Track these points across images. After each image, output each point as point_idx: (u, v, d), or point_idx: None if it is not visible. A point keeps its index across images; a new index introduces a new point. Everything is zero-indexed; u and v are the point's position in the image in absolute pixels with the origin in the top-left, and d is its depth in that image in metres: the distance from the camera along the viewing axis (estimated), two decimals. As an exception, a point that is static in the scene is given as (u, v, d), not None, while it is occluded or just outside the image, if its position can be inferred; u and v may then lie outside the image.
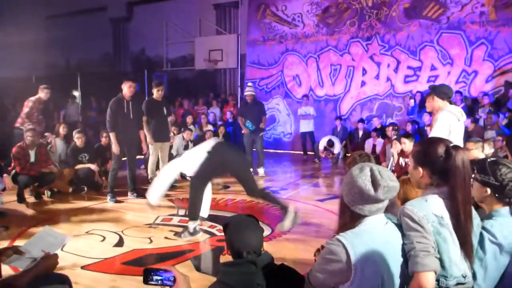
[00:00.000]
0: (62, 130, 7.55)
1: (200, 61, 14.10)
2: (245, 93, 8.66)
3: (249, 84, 9.63)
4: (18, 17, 13.84)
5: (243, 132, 8.60)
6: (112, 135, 6.11)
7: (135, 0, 16.66)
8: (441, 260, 1.79)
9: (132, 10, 17.06)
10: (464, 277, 1.84)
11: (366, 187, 1.71)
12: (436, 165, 1.90)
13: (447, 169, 1.85)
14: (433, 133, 3.99)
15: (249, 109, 8.47)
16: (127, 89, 6.13)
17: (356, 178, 1.74)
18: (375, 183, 1.71)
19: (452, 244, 1.82)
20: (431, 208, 1.83)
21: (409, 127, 9.37)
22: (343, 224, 1.81)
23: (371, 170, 1.74)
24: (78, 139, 6.99)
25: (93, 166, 6.92)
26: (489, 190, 2.09)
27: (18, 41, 13.60)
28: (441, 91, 4.10)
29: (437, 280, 1.81)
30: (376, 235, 1.75)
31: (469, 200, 1.86)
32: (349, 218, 1.79)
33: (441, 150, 1.88)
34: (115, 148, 6.10)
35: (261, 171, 8.47)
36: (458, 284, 1.83)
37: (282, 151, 12.31)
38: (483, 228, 2.01)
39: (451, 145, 1.90)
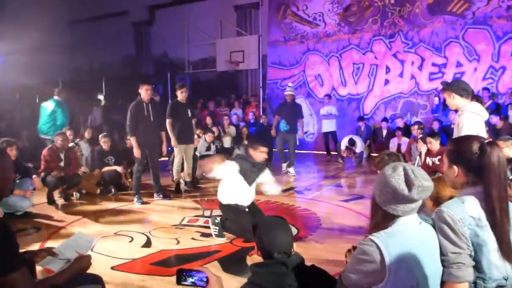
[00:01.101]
0: (87, 134, 7.71)
1: (221, 62, 14.17)
2: (285, 93, 8.87)
3: (290, 84, 9.77)
4: (41, 22, 14.16)
5: (272, 132, 8.71)
6: (133, 139, 6.19)
7: (156, 4, 16.85)
8: (479, 263, 1.76)
9: (153, 14, 17.27)
10: (506, 279, 1.78)
11: (399, 187, 1.68)
12: (471, 162, 1.85)
13: (482, 166, 1.80)
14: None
15: (286, 109, 8.65)
16: (144, 92, 6.19)
17: (389, 178, 1.71)
18: (409, 183, 1.68)
19: (491, 246, 1.77)
20: (467, 210, 1.78)
21: (435, 126, 9.20)
22: (376, 225, 1.78)
23: (405, 170, 1.72)
24: (104, 143, 7.13)
25: (119, 168, 7.05)
26: None
27: (42, 45, 13.90)
28: (459, 87, 3.79)
29: (474, 283, 1.76)
30: (410, 235, 1.72)
31: (505, 198, 1.80)
32: (382, 219, 1.76)
33: (475, 147, 1.84)
34: (136, 152, 6.17)
35: (291, 170, 8.61)
36: (498, 286, 1.78)
37: (305, 152, 12.25)
38: None
39: (486, 141, 1.85)
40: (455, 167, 1.91)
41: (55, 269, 2.33)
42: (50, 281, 2.14)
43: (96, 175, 6.97)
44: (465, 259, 1.73)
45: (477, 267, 1.77)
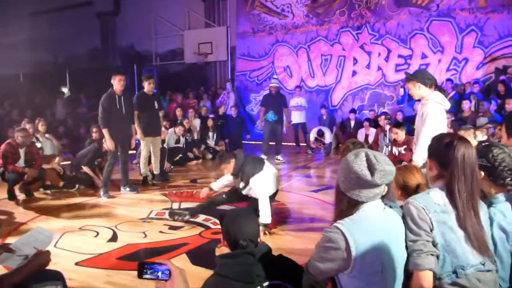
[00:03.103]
0: (40, 127, 7.38)
1: (189, 54, 13.99)
2: (270, 85, 9.27)
3: (275, 76, 10.06)
4: (2, 15, 13.60)
5: (258, 124, 9.25)
6: (105, 132, 5.98)
7: (122, -6, 16.45)
8: (454, 251, 1.79)
9: (119, 5, 16.83)
10: (483, 264, 1.81)
11: (362, 172, 1.68)
12: (439, 156, 1.93)
13: (448, 160, 1.87)
14: (426, 127, 3.74)
15: (272, 100, 9.01)
16: (117, 83, 6.00)
17: (352, 163, 1.71)
18: (371, 168, 1.69)
19: (461, 233, 1.80)
20: (433, 199, 1.85)
21: (399, 116, 9.39)
22: (340, 212, 1.78)
23: (367, 155, 1.73)
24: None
25: (87, 171, 6.80)
26: (482, 173, 2.08)
27: (3, 39, 13.36)
28: (424, 77, 3.82)
29: (455, 272, 1.80)
30: (374, 221, 1.73)
31: (471, 193, 1.84)
32: (346, 205, 1.77)
33: (445, 141, 1.91)
34: (110, 144, 5.99)
35: (279, 157, 9.08)
36: (478, 272, 1.80)
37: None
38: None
39: (457, 137, 1.92)
40: (429, 160, 2.00)
41: (13, 266, 2.23)
42: (7, 278, 2.04)
43: (57, 167, 6.70)
44: (423, 246, 1.76)
45: (454, 256, 1.79)
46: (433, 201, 1.83)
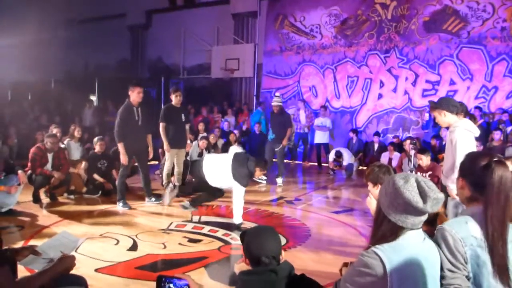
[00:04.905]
0: (76, 133, 7.58)
1: (216, 69, 14.17)
2: (272, 103, 8.65)
3: (277, 94, 9.62)
4: (38, 19, 14.05)
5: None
6: (120, 146, 6.02)
7: (154, 8, 16.83)
8: (479, 284, 1.72)
9: (151, 18, 17.24)
10: None
11: (414, 199, 1.62)
12: (474, 176, 1.82)
13: (484, 182, 1.76)
14: (458, 155, 3.76)
15: (274, 119, 8.56)
16: (136, 95, 6.05)
17: (402, 189, 1.65)
18: (423, 195, 1.63)
19: (491, 268, 1.73)
20: (470, 230, 1.74)
21: (434, 142, 9.23)
22: (381, 236, 1.71)
23: (417, 181, 1.67)
24: (100, 146, 7.00)
25: (107, 185, 6.89)
26: None
27: (37, 42, 13.77)
28: (449, 104, 3.84)
29: None
30: (414, 250, 1.66)
31: (504, 221, 1.75)
32: (389, 230, 1.69)
33: (482, 162, 1.80)
34: (123, 159, 6.05)
35: (279, 180, 8.46)
36: None
37: (296, 162, 12.23)
38: None
39: (495, 159, 1.81)
40: (461, 179, 1.90)
41: (37, 269, 2.26)
42: (31, 281, 2.07)
43: (82, 173, 6.84)
44: (461, 281, 1.70)
45: None
46: (471, 234, 1.73)
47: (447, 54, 10.76)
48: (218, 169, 5.31)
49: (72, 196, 6.57)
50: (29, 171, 6.06)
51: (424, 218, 1.69)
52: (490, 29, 10.25)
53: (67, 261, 2.20)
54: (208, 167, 5.37)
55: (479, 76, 10.43)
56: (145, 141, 6.39)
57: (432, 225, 2.11)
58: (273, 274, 1.89)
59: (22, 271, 2.64)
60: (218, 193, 5.75)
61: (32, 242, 4.23)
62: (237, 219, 5.25)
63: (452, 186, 3.65)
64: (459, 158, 3.55)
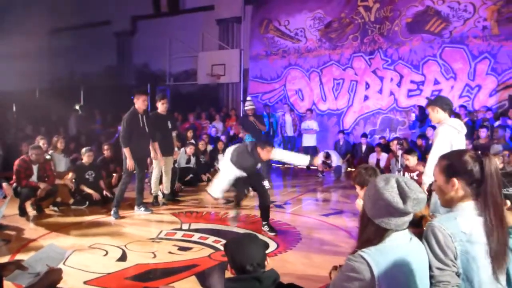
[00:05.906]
0: (59, 144, 7.47)
1: (202, 75, 14.15)
2: (245, 108, 8.65)
3: (248, 98, 9.52)
4: (23, 28, 13.91)
5: None
6: (127, 151, 5.97)
7: (139, 15, 16.78)
8: (471, 282, 1.72)
9: (136, 25, 17.18)
10: None
11: (394, 200, 1.63)
12: (472, 174, 1.77)
13: (483, 177, 1.74)
14: (434, 148, 3.98)
15: (249, 123, 8.47)
16: (141, 103, 6.07)
17: (382, 190, 1.65)
18: (403, 195, 1.63)
19: (481, 263, 1.72)
20: (460, 226, 1.73)
21: (420, 142, 9.29)
22: (367, 239, 1.71)
23: (398, 182, 1.67)
24: (88, 157, 6.91)
25: (95, 195, 6.78)
26: (509, 203, 2.03)
27: (22, 51, 13.61)
28: (444, 103, 4.14)
29: None
30: (401, 252, 1.66)
31: (501, 207, 1.75)
32: (373, 233, 1.70)
33: (472, 158, 1.77)
34: (130, 164, 5.97)
35: (265, 183, 8.36)
36: None
37: (285, 166, 12.23)
38: None
39: (477, 151, 1.83)
40: (455, 180, 1.80)
41: (24, 284, 2.23)
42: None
43: (69, 184, 6.74)
44: (450, 278, 1.70)
45: (471, 286, 1.73)
46: (460, 229, 1.72)
47: (431, 54, 10.91)
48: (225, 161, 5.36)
49: (56, 208, 6.45)
50: (15, 184, 5.97)
51: (408, 218, 1.69)
52: (472, 29, 10.41)
53: (54, 274, 2.17)
54: (224, 161, 5.43)
55: (462, 75, 10.58)
56: (148, 148, 6.36)
57: (418, 227, 2.11)
58: (256, 282, 1.89)
59: (9, 286, 2.60)
60: (246, 185, 5.80)
61: (18, 256, 4.16)
62: (213, 191, 5.24)
63: (425, 179, 3.86)
64: (435, 151, 3.80)
